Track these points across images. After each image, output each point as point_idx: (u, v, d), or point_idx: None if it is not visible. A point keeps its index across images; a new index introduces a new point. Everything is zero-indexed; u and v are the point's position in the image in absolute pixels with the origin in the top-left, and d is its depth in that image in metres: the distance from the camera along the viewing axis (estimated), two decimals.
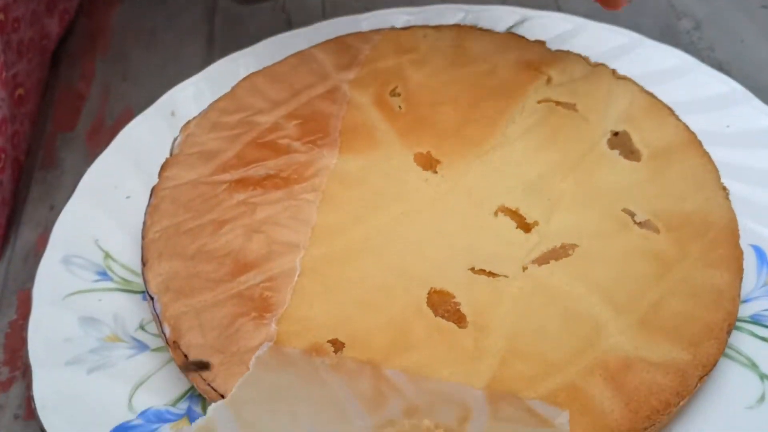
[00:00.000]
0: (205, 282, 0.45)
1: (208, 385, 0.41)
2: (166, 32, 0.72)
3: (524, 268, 0.46)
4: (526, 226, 0.48)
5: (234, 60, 0.62)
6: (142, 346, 0.47)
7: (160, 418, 0.44)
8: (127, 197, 0.54)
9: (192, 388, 0.45)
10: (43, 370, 0.45)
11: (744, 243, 0.47)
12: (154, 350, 0.47)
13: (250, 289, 0.44)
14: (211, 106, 0.54)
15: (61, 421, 0.43)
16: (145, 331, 0.48)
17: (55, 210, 0.59)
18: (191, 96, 0.60)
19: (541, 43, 0.58)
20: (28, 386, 0.49)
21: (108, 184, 0.55)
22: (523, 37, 0.59)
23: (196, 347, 0.42)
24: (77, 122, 0.66)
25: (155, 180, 0.52)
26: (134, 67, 0.70)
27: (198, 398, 0.45)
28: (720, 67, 0.64)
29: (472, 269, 0.46)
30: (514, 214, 0.48)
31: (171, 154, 0.52)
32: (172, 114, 0.59)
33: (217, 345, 0.42)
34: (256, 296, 0.44)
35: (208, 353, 0.42)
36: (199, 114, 0.54)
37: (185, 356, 0.42)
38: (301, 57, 0.57)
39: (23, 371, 0.50)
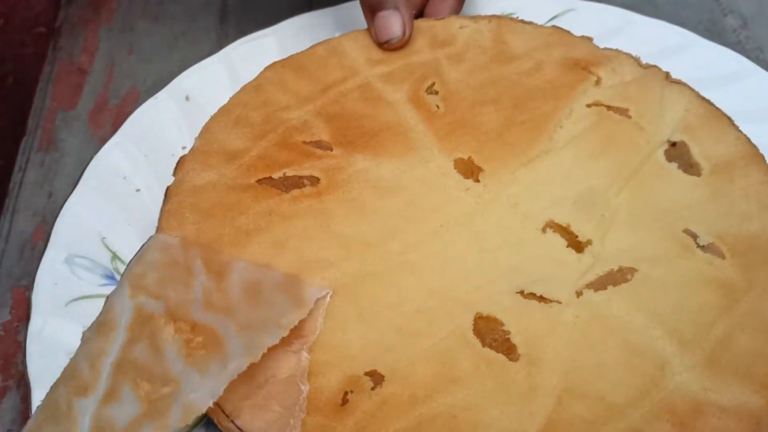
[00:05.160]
0: None
1: (232, 422, 0.36)
2: (175, 2, 0.67)
3: (578, 294, 0.42)
4: (577, 245, 0.44)
5: (253, 41, 0.57)
6: None
7: None
8: (137, 190, 0.50)
9: (206, 414, 0.40)
10: (43, 390, 0.40)
11: None
12: None
13: None
14: (234, 99, 0.49)
15: None
16: None
17: (53, 198, 0.55)
18: (207, 79, 0.55)
19: (588, 40, 0.54)
20: (23, 399, 0.45)
21: (116, 174, 0.50)
22: (568, 32, 0.54)
23: None
24: (78, 100, 0.61)
25: (168, 171, 0.47)
26: (141, 40, 0.65)
27: (214, 426, 0.40)
28: None
29: (521, 293, 0.42)
30: (565, 231, 0.44)
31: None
32: (187, 98, 0.54)
33: (242, 375, 0.38)
34: None
35: (233, 385, 0.37)
36: (220, 108, 0.49)
37: None
38: (329, 48, 0.52)
39: (18, 381, 0.46)
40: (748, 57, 0.60)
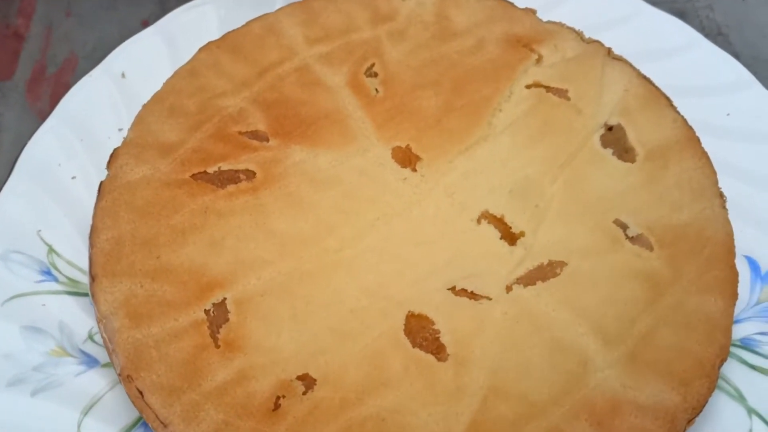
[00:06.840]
0: (164, 306, 0.40)
1: (166, 428, 0.37)
2: None
3: (508, 289, 0.42)
4: (511, 237, 0.44)
5: (192, 10, 0.56)
6: (91, 361, 0.43)
7: None
8: (73, 177, 0.49)
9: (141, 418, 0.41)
10: None
11: (738, 252, 0.44)
12: (104, 366, 0.43)
13: (214, 314, 0.40)
14: (167, 85, 0.48)
15: None
16: (94, 342, 0.44)
17: None
18: (144, 54, 0.54)
19: (531, 12, 0.53)
20: None
21: (50, 162, 0.49)
22: (511, 5, 0.53)
23: (152, 385, 0.38)
24: (16, 68, 0.60)
25: (104, 155, 0.47)
26: (79, 1, 0.63)
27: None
28: (719, 30, 0.60)
29: (453, 289, 0.42)
30: (499, 222, 0.45)
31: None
32: (123, 76, 0.53)
33: (178, 382, 0.38)
34: (220, 323, 0.40)
35: (166, 391, 0.38)
36: (153, 95, 0.48)
37: (140, 393, 0.38)
38: (266, 25, 0.50)
39: None
40: (699, 17, 0.59)
